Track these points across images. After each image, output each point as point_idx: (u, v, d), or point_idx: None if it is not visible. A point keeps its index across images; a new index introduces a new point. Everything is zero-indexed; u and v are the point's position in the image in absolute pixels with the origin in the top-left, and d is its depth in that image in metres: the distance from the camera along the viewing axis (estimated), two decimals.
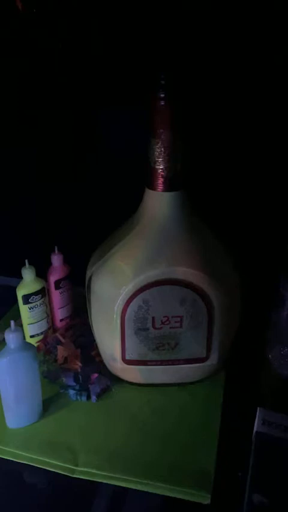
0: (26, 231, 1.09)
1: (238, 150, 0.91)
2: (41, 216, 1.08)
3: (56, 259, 0.93)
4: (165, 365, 0.79)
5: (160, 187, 0.72)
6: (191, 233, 0.74)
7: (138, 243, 0.75)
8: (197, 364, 0.80)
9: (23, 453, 0.73)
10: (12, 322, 0.72)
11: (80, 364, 0.86)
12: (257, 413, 0.70)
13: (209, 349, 0.79)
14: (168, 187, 0.72)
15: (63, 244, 0.93)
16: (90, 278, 0.79)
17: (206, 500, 0.65)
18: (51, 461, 0.71)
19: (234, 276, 0.78)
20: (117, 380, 0.84)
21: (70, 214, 1.05)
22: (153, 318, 0.75)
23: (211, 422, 0.77)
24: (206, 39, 0.83)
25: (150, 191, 0.74)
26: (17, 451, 0.73)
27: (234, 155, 0.92)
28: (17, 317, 0.91)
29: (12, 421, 0.77)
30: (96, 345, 0.84)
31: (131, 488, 0.68)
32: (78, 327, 0.96)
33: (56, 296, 0.95)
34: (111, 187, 1.00)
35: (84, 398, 0.82)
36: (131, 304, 0.74)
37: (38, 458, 0.72)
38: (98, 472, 0.70)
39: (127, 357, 0.79)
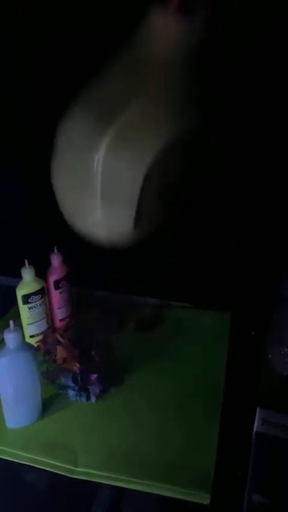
0: (26, 231, 1.09)
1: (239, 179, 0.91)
2: (41, 216, 1.07)
3: (56, 259, 0.93)
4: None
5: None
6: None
7: (127, 83, 0.64)
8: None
9: (23, 453, 0.72)
10: (11, 323, 0.72)
11: (78, 365, 0.85)
12: (257, 413, 0.70)
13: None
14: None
15: (63, 244, 0.93)
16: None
17: (206, 500, 0.65)
18: (51, 461, 0.71)
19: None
20: (116, 381, 0.84)
21: None
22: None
23: (211, 423, 0.76)
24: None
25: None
26: (17, 451, 0.73)
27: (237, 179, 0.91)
28: (17, 317, 0.91)
29: (12, 421, 0.77)
30: (95, 344, 0.84)
31: (130, 488, 0.67)
32: (78, 327, 0.96)
33: (56, 296, 0.94)
34: None
35: (83, 398, 0.82)
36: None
37: (38, 458, 0.72)
38: (98, 472, 0.69)
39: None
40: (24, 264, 0.88)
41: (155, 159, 0.62)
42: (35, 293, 0.89)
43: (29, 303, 0.89)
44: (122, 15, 0.77)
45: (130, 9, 0.72)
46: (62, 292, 0.95)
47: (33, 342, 0.91)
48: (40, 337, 0.93)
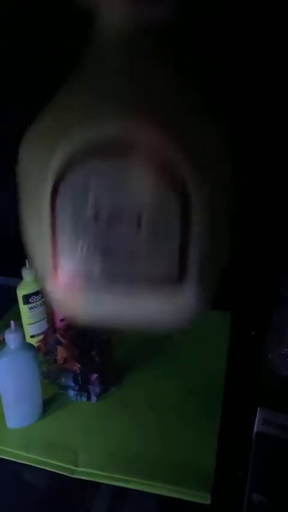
0: None
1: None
2: None
3: None
4: (119, 284, 0.49)
5: None
6: (160, 74, 0.49)
7: (77, 92, 0.49)
8: (166, 291, 0.49)
9: (23, 453, 0.73)
10: (12, 323, 0.72)
11: (78, 365, 0.86)
12: (257, 413, 0.70)
13: (182, 267, 0.48)
14: None
15: None
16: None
17: (206, 500, 0.65)
18: (51, 461, 0.71)
19: (223, 152, 0.49)
20: (117, 381, 0.84)
21: None
22: (96, 210, 0.47)
23: (211, 422, 0.76)
24: None
25: None
26: (17, 451, 0.73)
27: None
28: (18, 317, 0.91)
29: (12, 421, 0.77)
30: (95, 344, 0.84)
31: (131, 488, 0.68)
32: (78, 327, 0.96)
33: None
34: None
35: (84, 398, 0.82)
36: (62, 185, 0.46)
37: (38, 458, 0.72)
38: (98, 472, 0.70)
39: (62, 272, 0.50)
40: (24, 264, 0.88)
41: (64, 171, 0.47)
42: (35, 293, 0.89)
43: (30, 303, 0.89)
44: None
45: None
46: None
47: (33, 342, 0.92)
48: (41, 337, 0.93)
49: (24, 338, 0.73)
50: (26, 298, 0.88)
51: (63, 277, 0.50)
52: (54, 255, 0.49)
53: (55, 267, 0.50)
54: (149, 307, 0.51)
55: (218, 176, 0.49)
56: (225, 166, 0.50)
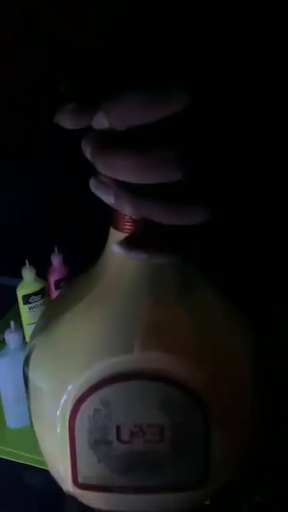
0: (26, 231, 1.09)
1: None
2: (42, 215, 1.07)
3: (56, 259, 0.93)
4: (140, 493, 0.52)
5: (128, 227, 0.45)
6: (178, 302, 0.49)
7: (95, 314, 0.49)
8: (187, 493, 0.53)
9: (24, 453, 0.73)
10: (12, 323, 0.72)
11: None
12: None
13: (204, 473, 0.51)
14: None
15: (64, 244, 0.93)
16: (28, 357, 0.53)
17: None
18: None
19: (245, 367, 0.51)
20: None
21: (70, 214, 1.05)
22: (117, 426, 0.48)
23: None
24: None
25: (117, 232, 0.47)
26: (18, 451, 0.73)
27: None
28: (17, 317, 0.91)
29: (13, 421, 0.77)
30: None
31: None
32: None
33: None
34: None
35: None
36: (82, 406, 0.48)
37: (39, 458, 0.72)
38: None
39: (81, 480, 0.52)
40: (24, 264, 0.88)
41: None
42: (35, 293, 0.89)
43: (30, 303, 0.89)
44: None
45: None
46: None
47: None
48: None
49: (24, 338, 0.73)
50: (26, 298, 0.88)
51: (82, 482, 0.53)
52: (73, 465, 0.51)
53: (73, 473, 0.52)
54: (168, 506, 0.54)
55: (237, 388, 0.51)
56: (244, 379, 0.52)
